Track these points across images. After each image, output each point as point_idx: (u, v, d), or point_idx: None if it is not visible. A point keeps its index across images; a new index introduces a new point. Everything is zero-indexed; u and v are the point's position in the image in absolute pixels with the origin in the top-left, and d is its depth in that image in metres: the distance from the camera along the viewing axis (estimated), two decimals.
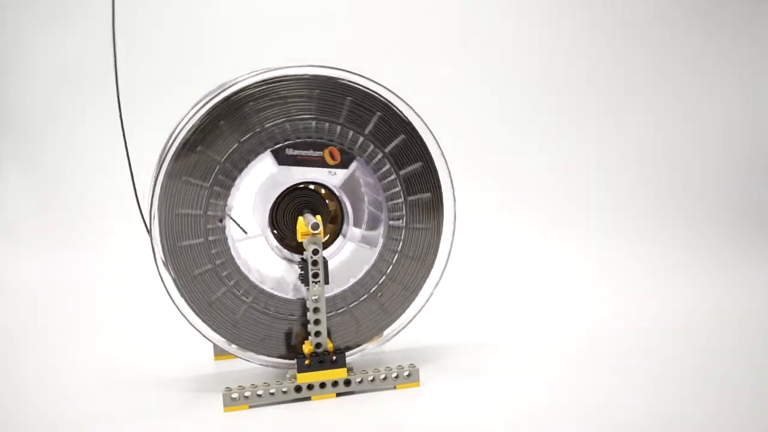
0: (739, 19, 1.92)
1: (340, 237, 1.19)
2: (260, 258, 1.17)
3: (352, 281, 1.16)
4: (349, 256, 1.20)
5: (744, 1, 1.93)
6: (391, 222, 1.16)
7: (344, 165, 1.14)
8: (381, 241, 1.17)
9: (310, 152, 1.13)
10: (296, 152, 1.12)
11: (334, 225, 1.19)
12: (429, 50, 1.89)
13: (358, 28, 1.89)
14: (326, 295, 1.13)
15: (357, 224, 1.19)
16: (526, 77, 1.91)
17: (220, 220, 1.10)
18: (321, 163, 1.13)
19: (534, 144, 1.91)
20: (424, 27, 1.90)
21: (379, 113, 1.13)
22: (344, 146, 1.13)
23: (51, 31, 1.82)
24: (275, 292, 1.14)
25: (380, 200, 1.16)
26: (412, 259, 1.17)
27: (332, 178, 1.14)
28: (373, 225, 1.18)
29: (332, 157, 1.13)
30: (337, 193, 1.17)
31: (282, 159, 1.12)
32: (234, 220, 1.12)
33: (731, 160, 1.95)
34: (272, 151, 1.11)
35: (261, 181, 1.14)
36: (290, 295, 1.15)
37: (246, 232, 1.14)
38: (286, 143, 1.11)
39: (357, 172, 1.16)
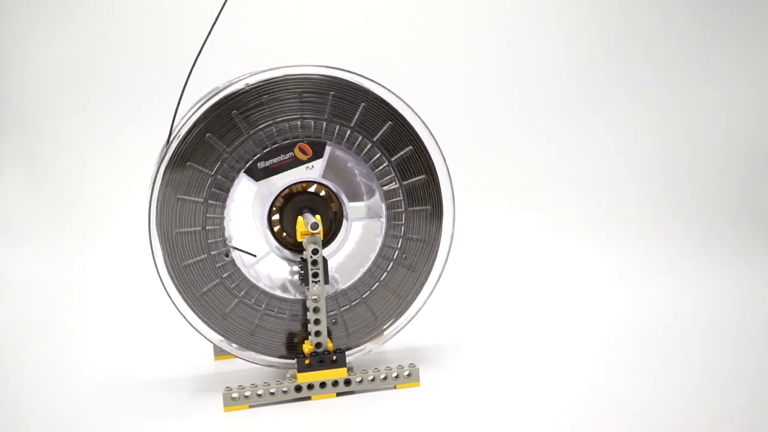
0: (747, 19, 1.90)
1: (344, 221, 1.18)
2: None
3: (362, 270, 1.16)
4: (355, 247, 1.20)
5: (754, 0, 1.90)
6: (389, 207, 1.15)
7: (318, 155, 1.12)
8: (384, 211, 1.15)
9: (280, 157, 1.11)
10: (267, 163, 1.10)
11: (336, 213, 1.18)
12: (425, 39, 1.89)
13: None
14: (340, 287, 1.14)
15: (357, 198, 1.18)
16: (528, 75, 1.90)
17: (226, 255, 1.10)
18: (295, 163, 1.11)
19: (534, 144, 1.90)
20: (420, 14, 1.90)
21: (363, 104, 1.11)
22: (310, 136, 1.11)
23: (50, 29, 1.82)
24: (280, 293, 1.14)
25: (368, 172, 1.14)
26: (417, 242, 1.16)
27: (311, 172, 1.12)
28: (370, 195, 1.17)
29: (303, 152, 1.11)
30: (325, 183, 1.15)
31: (257, 175, 1.10)
32: (239, 249, 1.12)
33: (750, 157, 1.89)
34: (245, 171, 1.09)
35: (250, 200, 1.16)
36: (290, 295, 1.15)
37: (254, 255, 1.14)
38: (254, 158, 1.09)
39: (335, 154, 1.13)
